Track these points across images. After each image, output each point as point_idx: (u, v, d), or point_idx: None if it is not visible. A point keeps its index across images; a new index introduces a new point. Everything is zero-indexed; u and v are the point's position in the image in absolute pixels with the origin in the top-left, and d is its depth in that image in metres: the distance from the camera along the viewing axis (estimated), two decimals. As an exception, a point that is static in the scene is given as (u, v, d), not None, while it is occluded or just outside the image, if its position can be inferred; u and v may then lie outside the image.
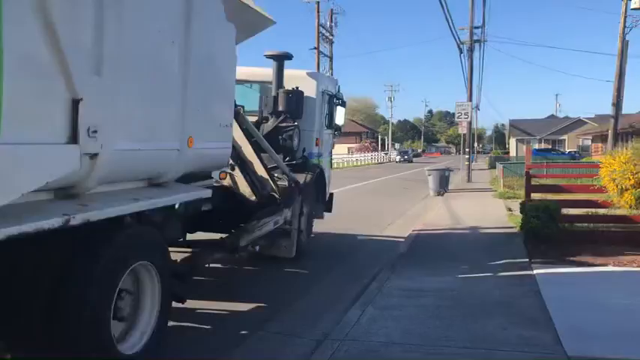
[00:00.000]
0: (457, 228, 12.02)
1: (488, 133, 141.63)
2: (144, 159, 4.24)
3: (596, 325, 5.46)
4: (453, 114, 30.02)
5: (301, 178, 8.50)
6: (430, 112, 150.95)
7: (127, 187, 4.22)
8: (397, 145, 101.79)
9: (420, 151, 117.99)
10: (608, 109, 29.21)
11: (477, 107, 71.50)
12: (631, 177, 8.45)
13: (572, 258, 8.68)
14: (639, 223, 9.37)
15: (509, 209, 15.25)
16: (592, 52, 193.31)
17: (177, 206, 5.24)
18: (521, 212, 9.79)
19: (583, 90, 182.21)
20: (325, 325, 5.64)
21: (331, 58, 49.19)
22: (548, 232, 9.22)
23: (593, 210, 10.20)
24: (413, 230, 11.80)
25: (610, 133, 26.85)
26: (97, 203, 3.56)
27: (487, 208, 16.61)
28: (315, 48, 45.26)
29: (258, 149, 7.55)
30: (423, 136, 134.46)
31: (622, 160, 8.70)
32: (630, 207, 8.75)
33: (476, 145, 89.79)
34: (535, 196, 10.88)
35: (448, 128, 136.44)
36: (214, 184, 6.21)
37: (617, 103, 26.42)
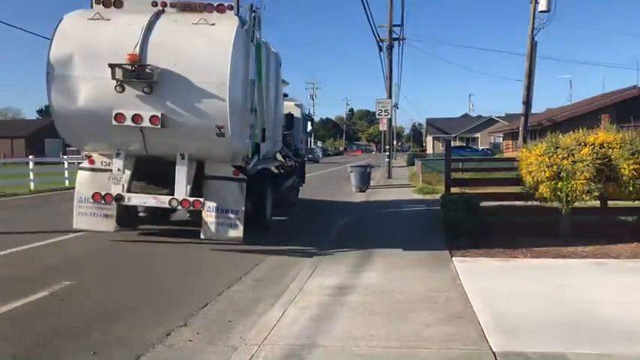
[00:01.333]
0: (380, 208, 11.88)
1: (407, 131, 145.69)
2: (272, 147, 12.13)
3: (518, 317, 5.38)
4: (374, 113, 30.30)
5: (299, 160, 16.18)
6: (351, 110, 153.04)
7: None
8: (319, 144, 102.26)
9: (341, 149, 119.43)
10: (518, 109, 30.66)
11: (396, 106, 73.28)
12: (546, 169, 8.61)
13: (491, 250, 8.75)
14: (554, 215, 9.59)
15: (428, 203, 15.43)
16: (504, 52, 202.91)
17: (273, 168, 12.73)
18: (441, 207, 9.77)
19: (495, 90, 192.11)
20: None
21: (252, 55, 48.31)
22: (468, 225, 9.24)
23: (511, 203, 10.38)
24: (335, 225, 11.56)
25: (520, 130, 28.08)
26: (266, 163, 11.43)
27: (408, 203, 16.73)
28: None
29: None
30: (344, 134, 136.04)
31: (537, 153, 8.85)
32: (545, 199, 8.91)
33: (395, 143, 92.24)
34: (454, 190, 10.97)
35: (369, 127, 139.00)
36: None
37: (527, 101, 27.67)
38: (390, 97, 27.18)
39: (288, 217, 13.50)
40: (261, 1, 10.77)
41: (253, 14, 9.22)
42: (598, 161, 8.49)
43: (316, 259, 8.51)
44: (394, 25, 29.03)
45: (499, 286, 6.63)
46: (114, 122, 8.35)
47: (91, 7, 8.99)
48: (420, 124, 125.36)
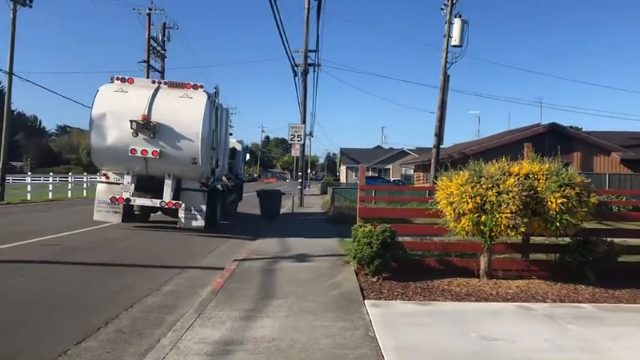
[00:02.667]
0: (284, 257, 10.53)
1: (322, 161, 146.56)
2: (221, 171, 17.58)
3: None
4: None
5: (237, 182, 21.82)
6: (267, 138, 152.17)
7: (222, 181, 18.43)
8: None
9: (255, 175, 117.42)
10: (429, 142, 30.66)
11: (311, 134, 72.99)
12: (469, 200, 7.66)
13: (408, 290, 7.67)
14: (477, 252, 8.68)
15: (341, 234, 14.33)
16: (417, 84, 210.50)
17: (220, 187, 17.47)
18: (353, 239, 8.59)
19: (407, 123, 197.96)
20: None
21: (162, 73, 46.00)
22: (382, 261, 8.13)
23: (429, 236, 9.42)
24: (235, 259, 10.08)
25: (432, 161, 27.92)
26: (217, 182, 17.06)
27: (318, 233, 15.51)
28: (144, 61, 41.87)
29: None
30: (259, 161, 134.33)
31: (459, 182, 7.92)
32: (467, 233, 7.96)
33: (309, 171, 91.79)
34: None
35: (284, 155, 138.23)
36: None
37: (439, 133, 27.59)
38: (303, 122, 26.19)
39: (229, 221, 18.87)
40: (218, 86, 15.97)
41: (214, 91, 15.57)
42: (524, 193, 7.67)
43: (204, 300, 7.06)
44: (310, 51, 28.28)
45: (419, 340, 5.44)
46: (129, 154, 13.82)
47: (111, 81, 14.74)
48: (334, 154, 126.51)
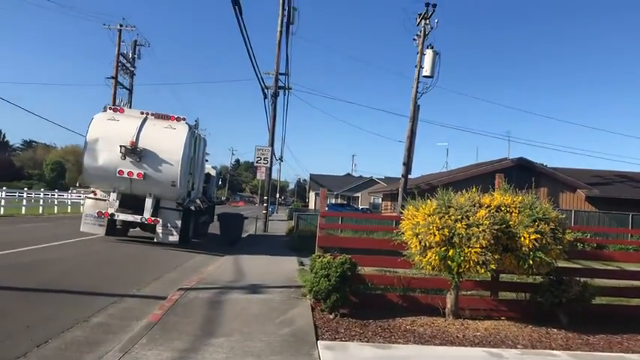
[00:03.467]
0: (236, 286, 9.67)
1: (292, 186, 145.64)
2: (196, 194, 19.06)
3: None
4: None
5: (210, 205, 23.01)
6: (237, 161, 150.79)
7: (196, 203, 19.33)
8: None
9: (223, 199, 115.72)
10: (398, 172, 30.32)
11: (281, 159, 72.33)
12: (436, 232, 7.03)
13: (367, 329, 6.94)
14: (443, 289, 8.02)
15: (302, 263, 13.58)
16: (388, 112, 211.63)
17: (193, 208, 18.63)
18: (310, 270, 7.84)
19: (377, 152, 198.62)
20: None
21: (130, 91, 44.87)
22: (340, 295, 7.39)
23: (393, 269, 8.74)
24: (181, 287, 9.19)
25: (400, 191, 27.48)
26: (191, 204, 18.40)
27: (278, 261, 14.70)
28: (112, 77, 40.81)
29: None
30: (228, 184, 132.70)
31: (426, 212, 7.29)
32: (433, 268, 7.31)
33: (278, 196, 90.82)
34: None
35: (253, 179, 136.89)
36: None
37: (408, 163, 27.26)
38: (271, 144, 25.48)
39: (200, 240, 20.07)
40: (198, 119, 18.39)
41: (195, 123, 18.00)
42: (496, 227, 7.07)
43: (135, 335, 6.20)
44: (280, 74, 27.78)
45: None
46: (117, 174, 15.58)
47: (105, 110, 16.64)
48: (304, 180, 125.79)
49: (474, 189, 7.81)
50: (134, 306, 7.91)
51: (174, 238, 16.17)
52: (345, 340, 6.45)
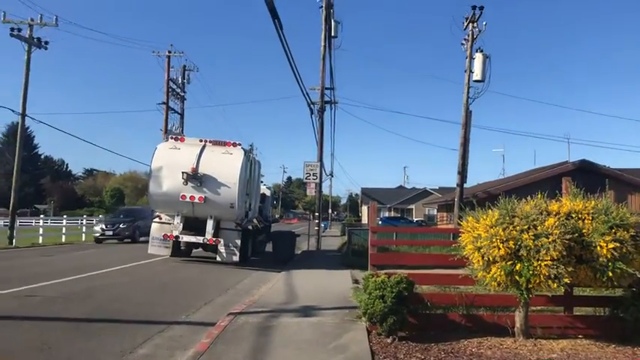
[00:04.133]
0: (287, 309, 9.25)
1: (344, 201, 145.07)
2: (253, 214, 19.98)
3: None
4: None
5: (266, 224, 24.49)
6: (289, 179, 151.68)
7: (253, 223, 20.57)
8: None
9: (277, 216, 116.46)
10: (452, 182, 29.40)
11: (332, 174, 72.07)
12: (500, 245, 6.39)
13: (429, 357, 6.34)
14: (511, 307, 7.33)
15: (356, 281, 13.06)
16: (438, 120, 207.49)
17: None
18: (364, 290, 7.32)
19: (430, 162, 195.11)
20: None
21: (182, 115, 45.75)
22: (397, 318, 6.82)
23: (454, 287, 8.10)
24: (231, 312, 8.85)
25: (456, 200, 26.57)
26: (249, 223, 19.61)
27: (331, 279, 14.24)
28: (164, 103, 41.63)
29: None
30: (281, 202, 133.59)
31: (488, 224, 6.66)
32: (499, 285, 6.65)
33: (330, 212, 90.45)
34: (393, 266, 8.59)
35: (305, 195, 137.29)
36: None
37: (463, 171, 26.34)
38: (320, 160, 25.15)
39: (259, 257, 20.63)
40: (253, 144, 20.64)
41: (250, 147, 19.91)
42: (567, 236, 6.36)
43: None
44: (326, 88, 27.50)
45: None
46: (180, 199, 16.56)
47: (166, 139, 18.29)
48: (356, 195, 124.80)
49: (539, 195, 7.11)
50: (182, 334, 7.60)
51: (235, 257, 17.03)
52: (405, 368, 5.89)
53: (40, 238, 27.70)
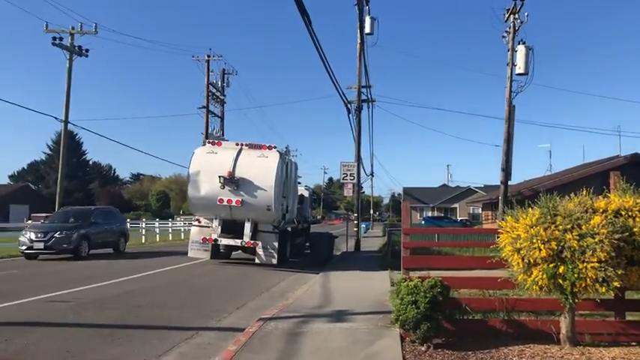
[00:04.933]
0: (320, 314, 8.97)
1: (386, 201, 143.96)
2: (290, 216, 19.57)
3: None
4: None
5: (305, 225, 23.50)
6: (330, 179, 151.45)
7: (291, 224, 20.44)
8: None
9: (319, 217, 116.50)
10: (496, 180, 28.50)
11: (372, 174, 71.51)
12: (541, 246, 5.92)
13: (465, 365, 5.92)
14: (556, 312, 6.83)
15: (394, 283, 12.63)
16: (481, 116, 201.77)
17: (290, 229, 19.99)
18: (396, 295, 6.95)
19: (473, 160, 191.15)
20: None
21: (222, 118, 46.16)
22: (432, 325, 6.43)
23: (493, 291, 7.64)
24: (261, 317, 8.64)
25: (500, 198, 25.70)
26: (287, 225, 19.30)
27: (369, 282, 13.89)
28: (204, 107, 42.04)
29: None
30: (322, 202, 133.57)
31: (528, 223, 6.20)
32: (541, 289, 6.18)
33: (372, 212, 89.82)
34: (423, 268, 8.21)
35: (346, 196, 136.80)
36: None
37: (507, 168, 25.47)
38: (357, 160, 24.80)
39: (298, 259, 20.47)
40: (288, 146, 21.46)
41: (285, 150, 21.84)
42: (616, 235, 5.85)
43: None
44: (362, 87, 27.14)
45: None
46: (217, 203, 16.70)
47: (204, 144, 19.08)
48: (399, 194, 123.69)
49: (584, 191, 6.59)
50: (210, 340, 7.41)
51: (273, 259, 17.06)
52: (440, 379, 5.51)
53: (86, 242, 28.30)
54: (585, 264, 5.80)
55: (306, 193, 24.52)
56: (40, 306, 9.51)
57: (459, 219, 63.69)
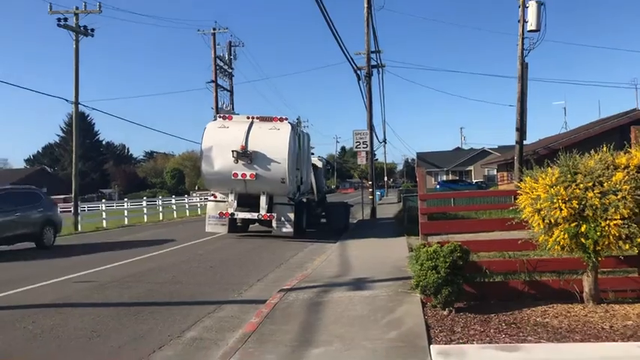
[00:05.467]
0: (339, 282, 9.01)
1: (400, 167, 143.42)
2: (305, 187, 19.71)
3: None
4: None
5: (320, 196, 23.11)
6: (343, 148, 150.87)
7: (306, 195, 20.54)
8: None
9: (333, 187, 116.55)
10: (511, 140, 28.14)
11: (385, 141, 71.05)
12: (562, 206, 5.83)
13: (487, 327, 5.90)
14: (578, 270, 6.77)
15: (411, 249, 12.61)
16: (492, 75, 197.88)
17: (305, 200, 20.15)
18: (415, 260, 6.92)
19: (487, 121, 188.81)
20: None
21: (231, 92, 45.88)
22: (453, 289, 6.40)
23: (513, 253, 7.59)
24: (281, 289, 8.69)
25: (515, 159, 25.44)
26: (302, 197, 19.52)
27: (386, 248, 13.90)
28: (212, 81, 41.74)
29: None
30: (335, 172, 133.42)
31: (548, 183, 6.09)
32: (563, 248, 6.10)
33: (386, 179, 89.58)
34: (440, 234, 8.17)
35: (359, 164, 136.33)
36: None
37: (521, 127, 25.11)
38: (369, 127, 24.59)
39: (314, 229, 20.57)
40: (299, 117, 22.43)
41: (297, 121, 21.14)
42: (639, 191, 5.73)
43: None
44: (371, 52, 26.73)
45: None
46: (232, 177, 16.77)
47: (215, 119, 19.27)
48: (412, 160, 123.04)
49: (604, 148, 6.44)
50: (232, 314, 7.48)
51: (289, 230, 17.15)
52: (463, 342, 5.49)
53: (104, 222, 28.68)
54: (608, 221, 5.71)
55: (319, 164, 24.39)
56: (64, 287, 9.64)
57: (474, 181, 63.29)
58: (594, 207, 5.76)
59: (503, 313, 6.41)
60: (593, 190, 5.82)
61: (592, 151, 6.45)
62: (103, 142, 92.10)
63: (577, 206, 5.82)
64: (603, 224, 5.73)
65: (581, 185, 5.90)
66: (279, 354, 5.35)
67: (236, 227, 18.56)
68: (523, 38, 25.11)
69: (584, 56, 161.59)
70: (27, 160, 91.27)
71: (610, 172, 5.97)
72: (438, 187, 58.20)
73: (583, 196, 5.83)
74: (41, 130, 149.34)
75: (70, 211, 27.13)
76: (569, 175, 6.01)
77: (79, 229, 25.54)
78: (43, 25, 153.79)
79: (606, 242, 5.82)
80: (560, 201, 5.86)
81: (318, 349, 5.48)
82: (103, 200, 43.01)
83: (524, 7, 24.70)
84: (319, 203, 23.30)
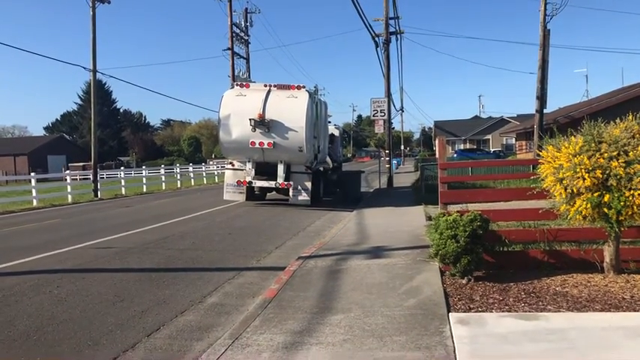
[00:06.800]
0: (357, 250, 9.07)
1: (417, 136, 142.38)
2: (322, 156, 19.65)
3: None
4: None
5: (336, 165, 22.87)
6: (359, 117, 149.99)
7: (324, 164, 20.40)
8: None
9: (349, 155, 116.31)
10: (530, 109, 27.76)
11: (402, 109, 70.44)
12: (586, 175, 5.74)
13: (507, 296, 5.92)
14: (599, 240, 6.71)
15: (429, 217, 12.62)
16: (512, 42, 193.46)
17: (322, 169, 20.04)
18: (434, 229, 6.91)
19: (506, 89, 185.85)
20: None
21: (247, 60, 45.54)
22: (472, 258, 6.40)
23: (533, 222, 7.54)
24: (300, 256, 8.77)
25: (535, 127, 25.12)
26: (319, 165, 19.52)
27: (403, 217, 13.90)
28: (229, 49, 41.40)
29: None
30: (352, 141, 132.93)
31: (571, 152, 5.99)
32: (585, 218, 6.04)
33: (403, 148, 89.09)
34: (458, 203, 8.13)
35: (376, 133, 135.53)
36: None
37: (542, 96, 24.70)
38: (387, 95, 24.31)
39: (331, 198, 20.79)
40: (317, 85, 23.05)
41: (314, 89, 20.67)
42: (665, 161, 5.62)
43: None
44: (390, 18, 26.23)
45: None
46: (249, 146, 16.86)
47: (232, 87, 18.79)
48: (429, 129, 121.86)
49: (630, 116, 6.30)
50: (252, 280, 7.59)
51: (306, 198, 17.34)
52: (482, 311, 5.52)
53: (123, 189, 29.06)
54: (632, 191, 5.63)
55: (336, 132, 24.28)
56: (86, 253, 9.83)
57: (492, 150, 62.69)
58: (618, 176, 5.67)
59: (523, 282, 6.42)
60: (617, 160, 5.72)
61: (617, 121, 6.32)
62: (121, 110, 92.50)
63: (601, 176, 5.74)
64: (627, 194, 5.65)
65: (606, 154, 5.79)
66: (298, 320, 5.43)
67: (254, 195, 18.67)
68: (546, 3, 24.48)
69: (608, 22, 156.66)
70: (46, 128, 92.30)
71: (636, 141, 5.86)
72: (455, 156, 57.72)
73: (607, 165, 5.74)
74: (59, 98, 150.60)
75: (89, 178, 27.49)
76: (593, 144, 5.90)
77: (99, 195, 25.93)
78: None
79: (630, 212, 5.75)
80: (583, 170, 5.77)
81: (336, 316, 5.54)
82: (122, 168, 43.35)
83: (548, -30, 23.99)
84: (336, 171, 23.28)
